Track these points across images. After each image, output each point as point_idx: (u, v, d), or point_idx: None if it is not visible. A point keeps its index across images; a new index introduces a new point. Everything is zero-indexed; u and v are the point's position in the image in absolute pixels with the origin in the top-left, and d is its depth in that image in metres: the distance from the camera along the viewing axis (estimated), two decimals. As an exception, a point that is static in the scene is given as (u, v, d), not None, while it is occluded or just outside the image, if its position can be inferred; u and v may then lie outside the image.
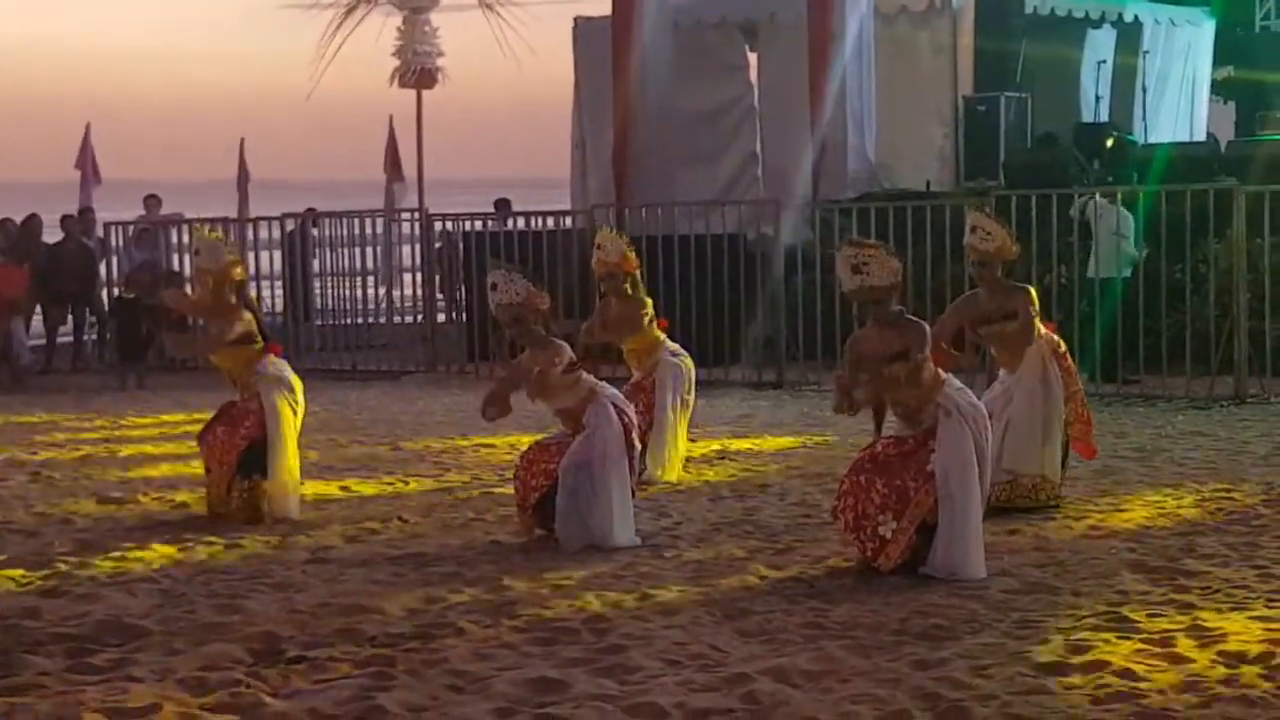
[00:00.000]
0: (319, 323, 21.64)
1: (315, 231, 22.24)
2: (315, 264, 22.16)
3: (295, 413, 10.15)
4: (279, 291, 21.96)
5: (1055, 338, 10.21)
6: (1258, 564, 8.26)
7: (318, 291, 21.95)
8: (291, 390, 10.13)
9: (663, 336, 11.73)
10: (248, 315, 10.10)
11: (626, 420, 9.24)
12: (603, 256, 11.62)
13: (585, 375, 9.29)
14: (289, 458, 10.09)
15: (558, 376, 9.14)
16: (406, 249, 23.73)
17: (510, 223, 20.86)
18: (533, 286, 9.23)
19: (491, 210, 22.31)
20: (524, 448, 9.80)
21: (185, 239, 21.38)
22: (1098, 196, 16.41)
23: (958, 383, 8.37)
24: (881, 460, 8.25)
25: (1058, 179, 17.54)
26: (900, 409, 8.34)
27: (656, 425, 11.25)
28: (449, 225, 21.35)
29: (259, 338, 10.10)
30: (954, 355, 9.32)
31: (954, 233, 16.48)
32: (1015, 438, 9.86)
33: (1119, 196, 16.29)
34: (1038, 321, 10.12)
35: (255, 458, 9.98)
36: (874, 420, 8.60)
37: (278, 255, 21.97)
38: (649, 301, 11.77)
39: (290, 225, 21.85)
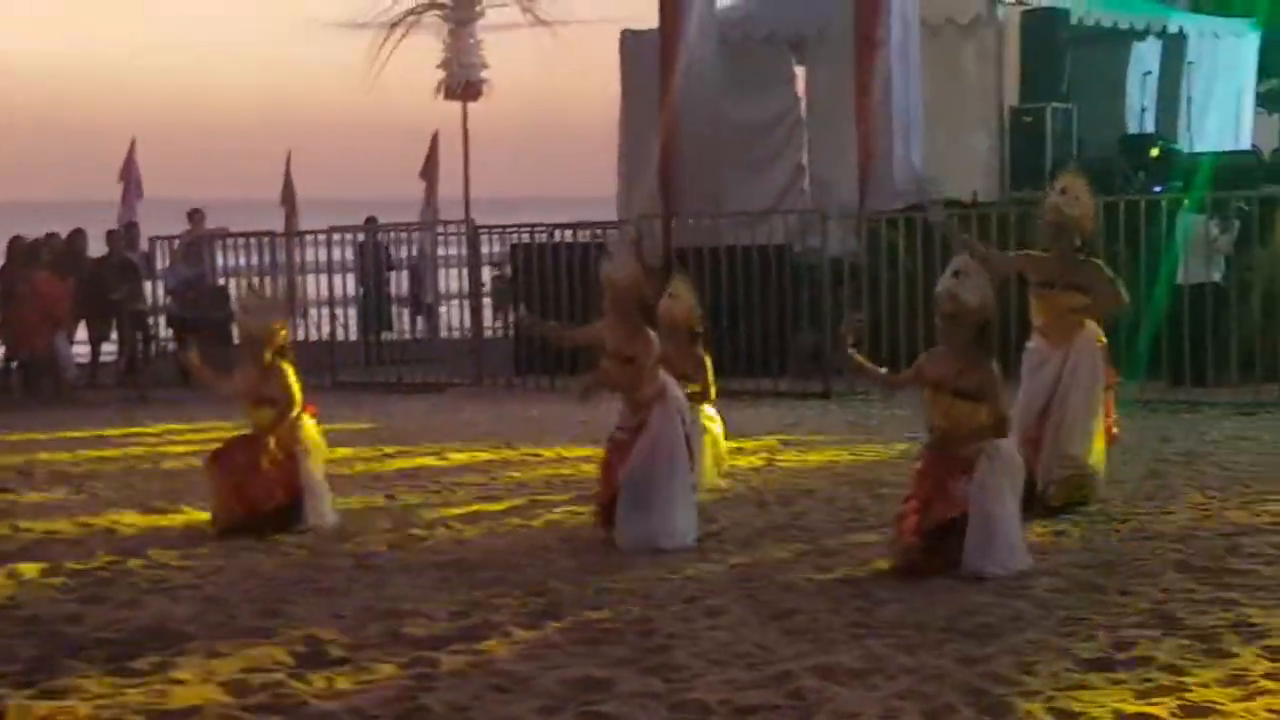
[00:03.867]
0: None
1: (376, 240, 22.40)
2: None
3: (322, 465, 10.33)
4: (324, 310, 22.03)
5: (1097, 328, 10.14)
6: (1303, 563, 8.24)
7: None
8: (320, 450, 10.29)
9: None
10: (288, 374, 10.16)
11: (686, 424, 9.37)
12: (673, 306, 11.18)
13: (664, 372, 9.43)
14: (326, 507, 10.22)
15: (650, 368, 9.30)
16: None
17: (558, 235, 20.89)
18: (641, 272, 9.45)
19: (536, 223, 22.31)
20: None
21: (229, 256, 21.58)
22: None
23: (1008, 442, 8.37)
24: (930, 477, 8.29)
25: (1103, 188, 17.48)
26: (949, 434, 8.34)
27: None
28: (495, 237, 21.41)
29: (295, 401, 10.16)
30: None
31: (1001, 243, 16.51)
32: (1071, 422, 9.82)
33: (1210, 205, 16.25)
34: (1122, 288, 10.06)
35: (284, 518, 10.02)
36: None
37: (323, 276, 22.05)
38: (708, 362, 11.39)
39: (336, 239, 21.92)
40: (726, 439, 11.88)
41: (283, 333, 10.32)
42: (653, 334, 9.44)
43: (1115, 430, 10.42)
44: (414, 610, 7.65)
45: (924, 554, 8.05)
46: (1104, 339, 10.16)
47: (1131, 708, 5.75)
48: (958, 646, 6.69)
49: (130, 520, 10.58)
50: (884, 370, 9.08)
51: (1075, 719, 5.65)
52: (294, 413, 10.13)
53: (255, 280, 10.84)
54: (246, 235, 21.61)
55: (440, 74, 25.72)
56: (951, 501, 8.09)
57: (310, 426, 10.27)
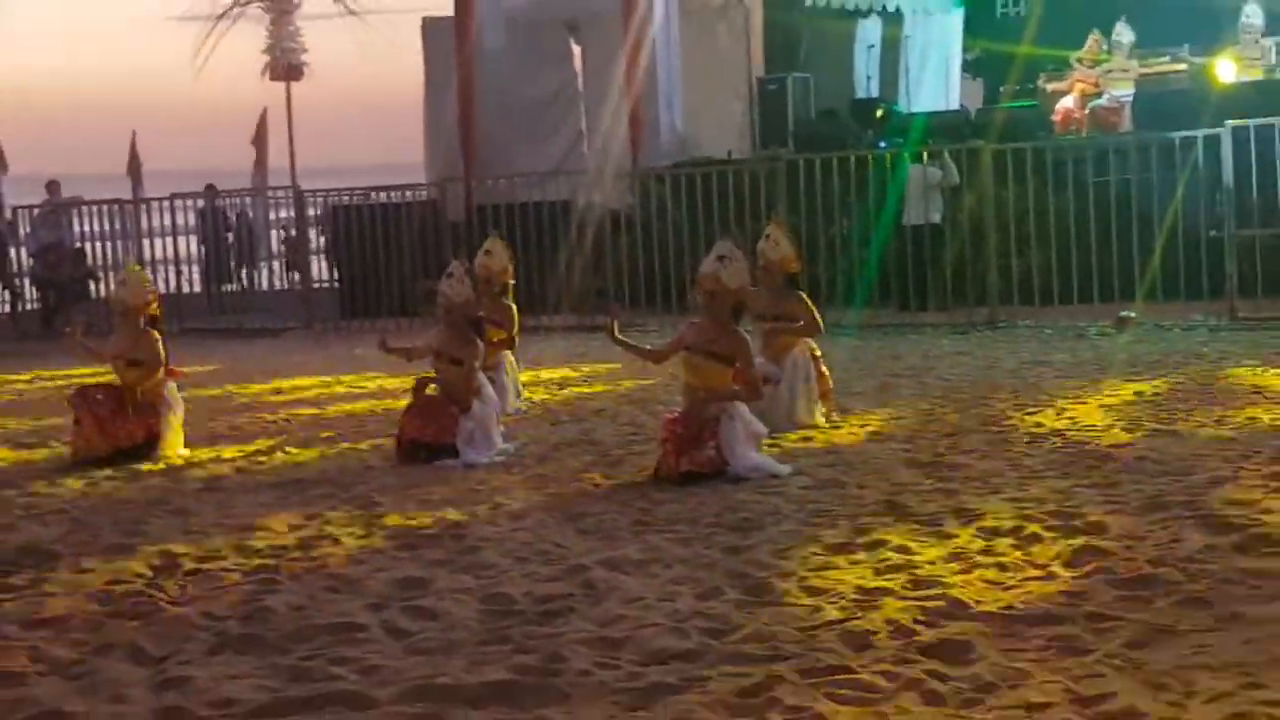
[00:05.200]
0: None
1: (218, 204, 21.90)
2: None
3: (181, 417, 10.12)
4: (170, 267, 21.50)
5: (814, 346, 10.09)
6: (1008, 456, 8.42)
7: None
8: (179, 407, 10.09)
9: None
10: (157, 340, 9.90)
11: (494, 406, 9.56)
12: (488, 262, 11.06)
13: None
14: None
15: (475, 370, 9.31)
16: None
17: (374, 197, 20.67)
18: (473, 293, 9.47)
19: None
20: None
21: (84, 222, 21.02)
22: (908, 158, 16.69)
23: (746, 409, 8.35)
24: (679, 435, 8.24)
25: (837, 145, 17.79)
26: (698, 392, 8.34)
27: None
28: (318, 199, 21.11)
29: (163, 364, 9.92)
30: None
31: (753, 194, 16.72)
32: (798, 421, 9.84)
33: (925, 156, 16.56)
34: (819, 318, 10.05)
35: (140, 452, 9.76)
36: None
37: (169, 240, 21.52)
38: (515, 310, 11.20)
39: (179, 205, 21.40)
40: (524, 367, 11.86)
41: (155, 304, 10.10)
42: (479, 342, 9.42)
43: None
44: (257, 525, 7.51)
45: (683, 484, 8.05)
46: (818, 353, 10.06)
47: (870, 583, 5.82)
48: (724, 538, 6.73)
49: (3, 456, 10.24)
50: (649, 347, 9.13)
51: (823, 594, 5.71)
52: (160, 374, 9.93)
53: (136, 262, 10.55)
54: (99, 203, 21.05)
55: (265, 58, 25.24)
56: (704, 458, 8.08)
57: (174, 387, 10.07)
